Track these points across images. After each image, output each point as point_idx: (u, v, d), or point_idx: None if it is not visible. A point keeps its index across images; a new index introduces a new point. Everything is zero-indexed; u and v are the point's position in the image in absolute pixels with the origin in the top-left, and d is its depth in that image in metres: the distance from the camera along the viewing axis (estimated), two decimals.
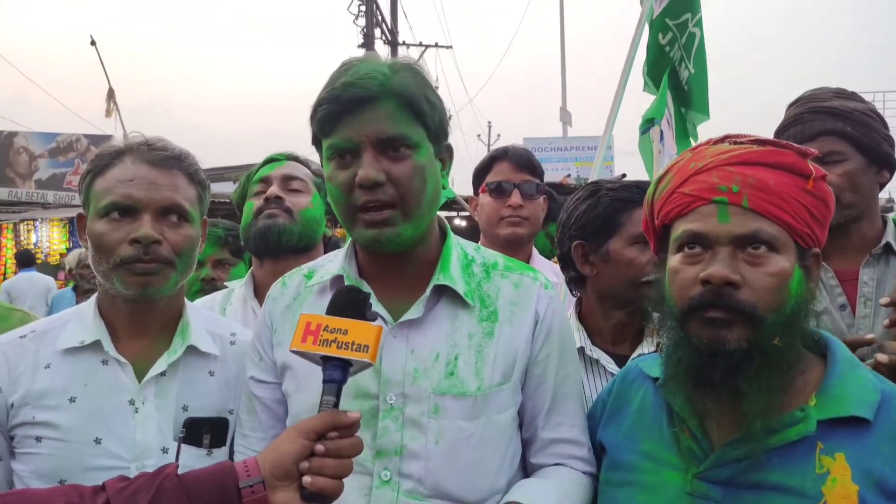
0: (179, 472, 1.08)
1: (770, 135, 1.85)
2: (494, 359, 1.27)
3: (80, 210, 1.46)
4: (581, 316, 1.83)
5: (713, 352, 1.09)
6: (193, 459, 1.34)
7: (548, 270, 2.32)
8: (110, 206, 1.35)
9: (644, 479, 1.22)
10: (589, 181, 2.01)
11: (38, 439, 1.31)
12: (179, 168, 1.42)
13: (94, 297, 1.46)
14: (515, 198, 2.32)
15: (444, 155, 1.35)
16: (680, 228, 1.18)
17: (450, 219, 10.84)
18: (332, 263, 1.37)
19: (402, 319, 1.26)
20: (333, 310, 1.12)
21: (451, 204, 8.76)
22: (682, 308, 1.13)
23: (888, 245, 1.81)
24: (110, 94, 11.95)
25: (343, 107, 1.20)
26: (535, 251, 2.48)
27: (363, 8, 16.70)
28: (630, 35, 3.06)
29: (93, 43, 11.84)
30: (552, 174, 11.07)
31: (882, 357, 1.41)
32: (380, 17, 17.66)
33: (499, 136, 35.83)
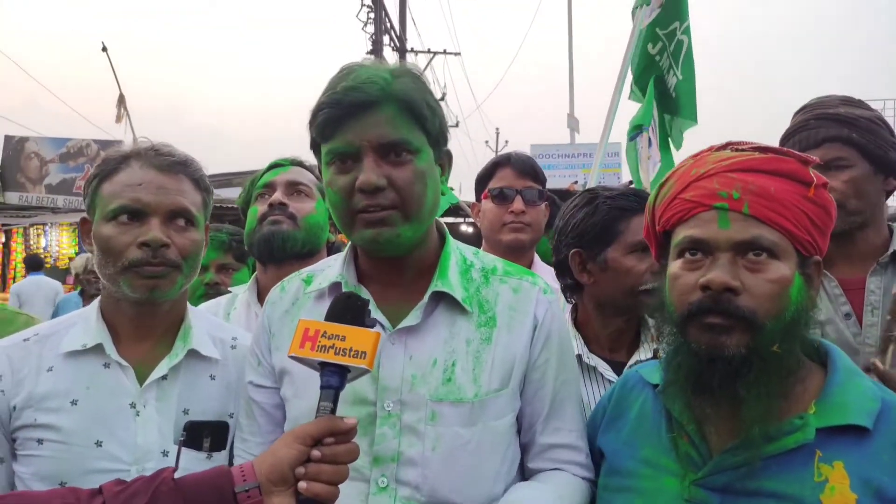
0: (178, 475, 1.08)
1: (776, 143, 1.84)
2: (492, 365, 1.26)
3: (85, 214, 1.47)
4: (577, 323, 1.82)
5: (712, 357, 1.09)
6: (193, 463, 1.34)
7: (549, 276, 2.30)
8: (119, 209, 1.37)
9: (642, 485, 1.22)
10: (591, 188, 2.01)
11: (40, 442, 1.32)
12: (186, 173, 1.44)
13: (97, 301, 1.47)
14: (518, 204, 2.33)
15: (444, 160, 1.35)
16: (681, 234, 1.18)
17: (456, 225, 10.84)
18: (331, 269, 1.37)
19: (401, 326, 1.26)
20: (332, 316, 1.12)
21: (458, 210, 8.77)
22: (682, 314, 1.13)
23: (895, 254, 1.80)
24: (121, 100, 12.03)
25: (344, 111, 1.20)
26: (536, 257, 2.48)
27: (372, 15, 16.79)
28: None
29: (104, 49, 11.93)
30: (560, 181, 11.05)
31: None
32: (388, 24, 17.75)
33: (507, 142, 35.88)
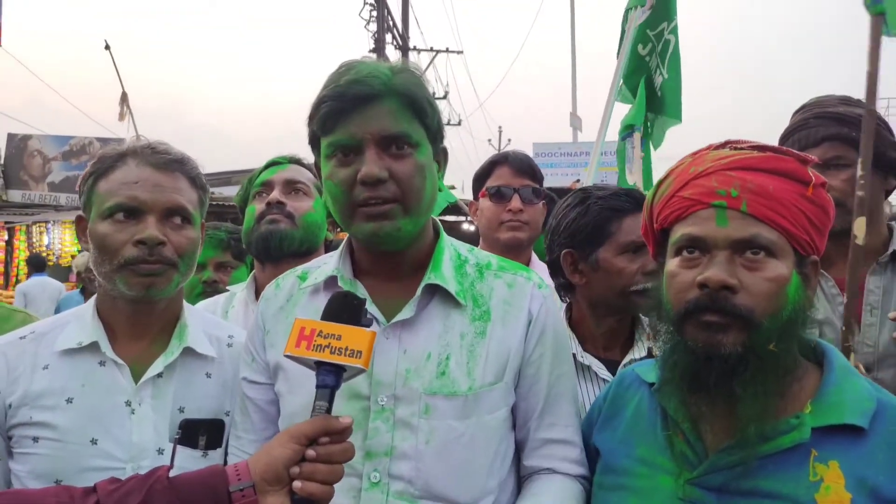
0: (173, 473, 1.08)
1: (775, 141, 1.84)
2: (486, 358, 1.27)
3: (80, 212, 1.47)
4: (572, 322, 1.82)
5: (709, 355, 1.09)
6: (189, 461, 1.34)
7: (546, 275, 2.31)
8: (115, 207, 1.36)
9: (638, 483, 1.21)
10: (584, 187, 2.01)
11: (36, 440, 1.32)
12: (182, 171, 1.44)
13: (93, 299, 1.47)
14: (515, 202, 2.32)
15: (441, 157, 1.36)
16: (678, 232, 1.17)
17: (458, 224, 10.83)
18: (327, 265, 1.37)
19: (395, 320, 1.26)
20: (328, 314, 1.12)
21: (459, 209, 8.76)
22: (679, 311, 1.13)
23: (895, 253, 1.79)
24: (123, 98, 12.05)
25: (347, 104, 1.21)
26: (534, 255, 2.48)
27: (374, 13, 16.79)
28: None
29: (107, 47, 11.95)
30: (562, 179, 11.02)
31: None
32: (391, 23, 17.74)
33: (509, 140, 35.91)
